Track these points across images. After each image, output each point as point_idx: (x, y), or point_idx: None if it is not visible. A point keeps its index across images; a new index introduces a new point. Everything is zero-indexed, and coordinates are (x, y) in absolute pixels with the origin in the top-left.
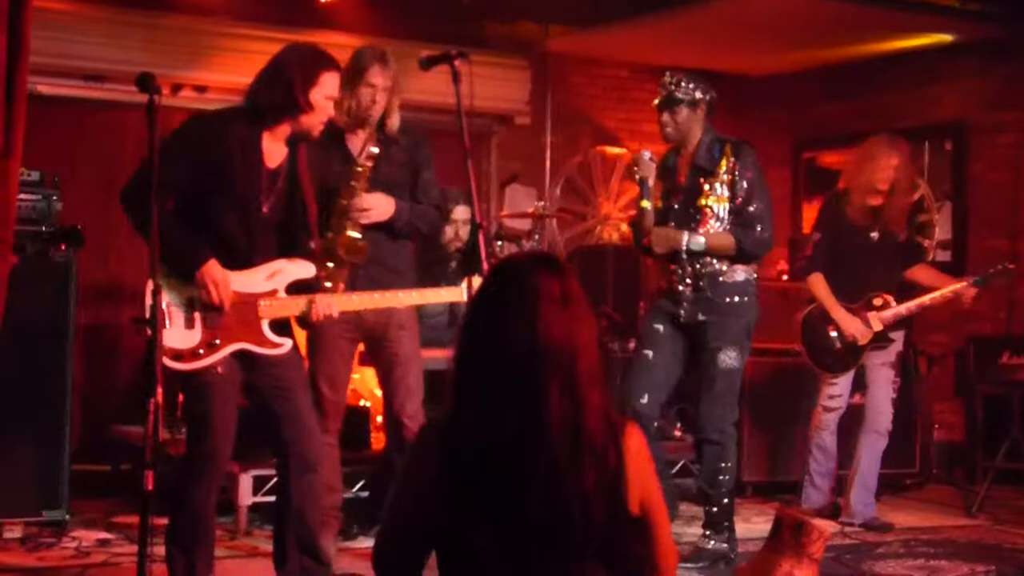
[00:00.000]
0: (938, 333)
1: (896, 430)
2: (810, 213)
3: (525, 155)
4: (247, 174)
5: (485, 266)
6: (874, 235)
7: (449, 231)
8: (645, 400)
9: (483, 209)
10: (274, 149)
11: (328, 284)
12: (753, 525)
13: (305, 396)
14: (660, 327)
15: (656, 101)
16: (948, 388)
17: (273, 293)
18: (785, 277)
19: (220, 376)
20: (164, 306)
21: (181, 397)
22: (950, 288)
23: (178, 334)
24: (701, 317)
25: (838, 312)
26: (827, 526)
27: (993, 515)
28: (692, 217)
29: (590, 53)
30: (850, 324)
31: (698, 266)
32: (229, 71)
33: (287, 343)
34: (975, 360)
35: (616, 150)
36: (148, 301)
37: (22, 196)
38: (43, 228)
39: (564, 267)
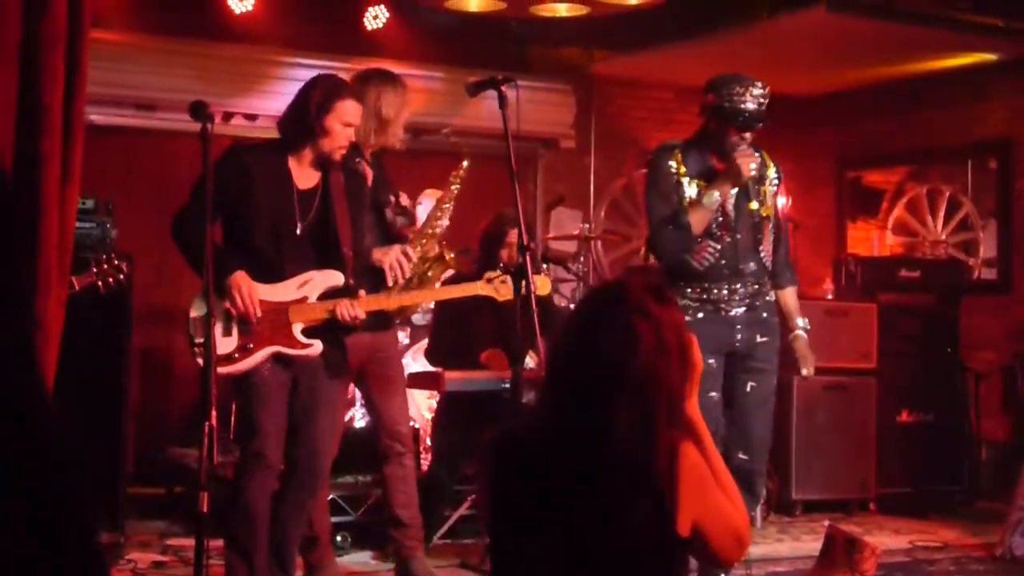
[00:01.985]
0: (986, 350)
1: (943, 447)
2: (854, 233)
3: (570, 178)
4: (277, 198)
5: (534, 287)
6: None
7: (504, 255)
8: (744, 456)
9: (530, 232)
10: (304, 173)
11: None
12: (803, 543)
13: (327, 418)
14: (712, 361)
15: (747, 114)
16: (996, 404)
17: (303, 300)
18: (830, 296)
19: (265, 378)
20: (202, 319)
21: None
22: None
23: (217, 341)
24: (761, 338)
25: None
26: (878, 545)
27: None
28: (759, 228)
29: (634, 76)
30: None
31: (747, 286)
32: (279, 99)
33: (317, 344)
34: (1022, 376)
35: None
36: (191, 315)
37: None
38: (100, 255)
39: (667, 297)
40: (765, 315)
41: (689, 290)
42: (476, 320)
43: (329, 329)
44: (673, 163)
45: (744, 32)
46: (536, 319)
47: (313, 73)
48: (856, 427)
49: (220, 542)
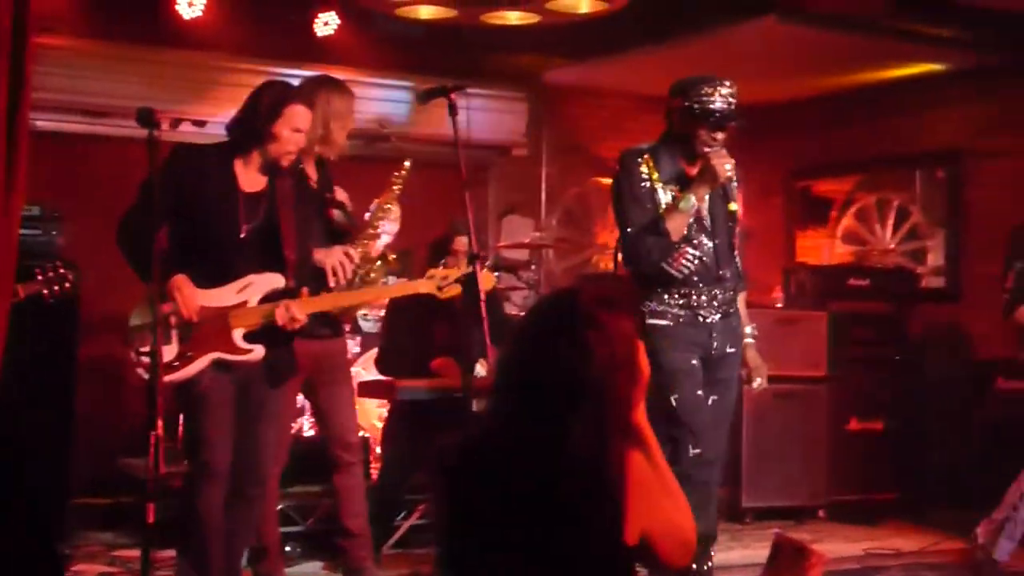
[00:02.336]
0: (936, 358)
1: (893, 454)
2: (803, 242)
3: (523, 186)
4: (222, 200)
5: (483, 296)
6: None
7: (451, 262)
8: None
9: (481, 241)
10: (251, 177)
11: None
12: (754, 551)
13: (272, 426)
14: (695, 362)
15: (718, 113)
16: (946, 410)
17: (243, 305)
18: (780, 305)
19: (208, 387)
20: (140, 328)
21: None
22: None
23: None
24: (729, 349)
25: None
26: (825, 553)
27: None
28: (732, 231)
29: (587, 84)
30: None
31: (725, 292)
32: (228, 105)
33: (258, 349)
34: (974, 386)
35: (610, 181)
36: (130, 323)
37: (22, 231)
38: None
39: (618, 306)
40: (735, 324)
41: (667, 296)
42: (427, 328)
43: (271, 334)
44: (644, 168)
45: (695, 41)
46: (487, 327)
47: (263, 79)
48: (807, 435)
49: (167, 553)
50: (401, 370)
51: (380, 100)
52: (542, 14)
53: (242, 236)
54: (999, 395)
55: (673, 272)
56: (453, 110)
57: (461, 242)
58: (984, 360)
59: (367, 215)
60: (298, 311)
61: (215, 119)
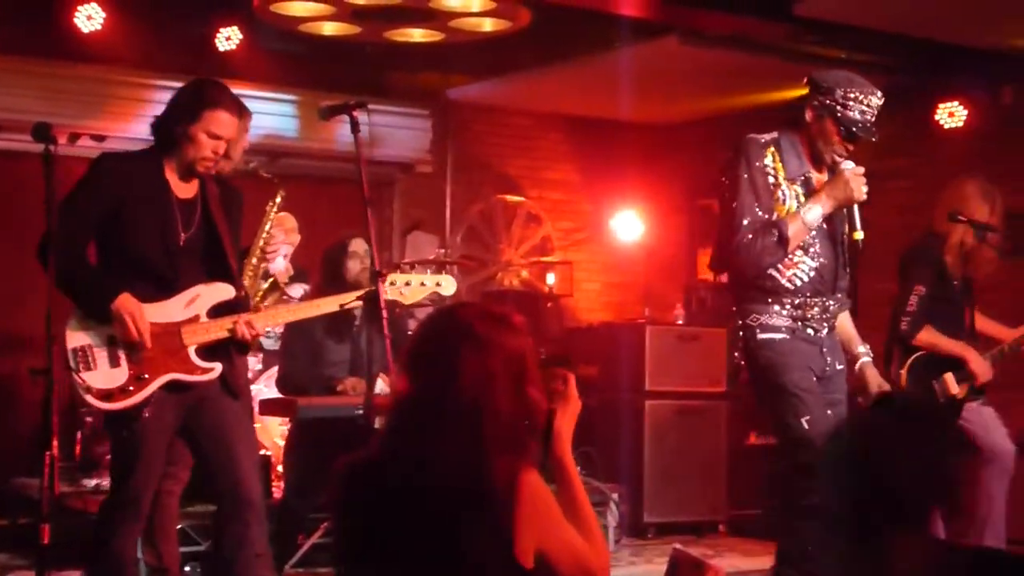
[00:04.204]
0: None
1: None
2: (704, 259)
3: (427, 203)
4: (156, 205)
5: (384, 314)
6: (957, 283)
7: (353, 265)
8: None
9: (385, 257)
10: (183, 182)
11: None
12: (656, 566)
13: (245, 440)
14: (815, 379)
15: (860, 124)
16: None
17: (195, 319)
18: (681, 321)
19: (150, 419)
20: (84, 349)
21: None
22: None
23: (104, 374)
24: (839, 366)
25: (971, 352)
26: (721, 568)
27: None
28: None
29: (492, 102)
30: (981, 365)
31: (837, 305)
32: (128, 119)
33: (216, 367)
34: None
35: (516, 198)
36: (69, 346)
37: None
38: None
39: (507, 323)
40: (837, 339)
41: (778, 307)
42: (328, 346)
43: (225, 348)
44: (770, 160)
45: (599, 61)
46: (389, 344)
47: (163, 94)
48: (707, 450)
49: (64, 575)
50: (301, 389)
51: (281, 115)
52: (445, 32)
53: (180, 244)
54: None
55: (783, 281)
56: (355, 127)
57: (356, 244)
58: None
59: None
60: (260, 325)
61: (114, 134)
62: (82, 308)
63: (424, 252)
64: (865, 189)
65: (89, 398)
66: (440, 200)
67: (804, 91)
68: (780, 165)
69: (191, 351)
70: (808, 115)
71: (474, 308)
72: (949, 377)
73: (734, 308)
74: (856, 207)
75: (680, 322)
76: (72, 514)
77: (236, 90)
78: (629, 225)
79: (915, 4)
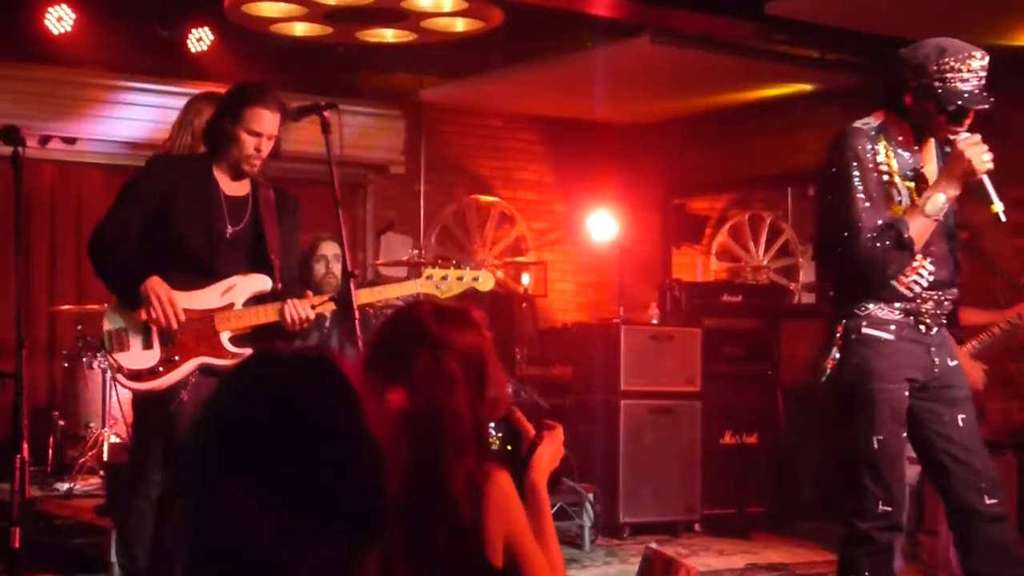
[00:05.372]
0: (804, 373)
1: (765, 468)
2: (680, 258)
3: (400, 203)
4: (203, 199)
5: (357, 315)
6: None
7: (319, 268)
8: (993, 500)
9: (359, 258)
10: (231, 183)
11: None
12: (631, 566)
13: None
14: (907, 394)
15: (965, 96)
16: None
17: (229, 307)
18: (656, 321)
19: (186, 403)
20: (119, 332)
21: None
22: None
23: (136, 355)
24: (952, 362)
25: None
26: (694, 567)
27: None
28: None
29: (464, 103)
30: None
31: (951, 300)
32: (99, 122)
33: (248, 353)
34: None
35: (490, 198)
36: (105, 328)
37: None
38: None
39: (466, 323)
40: (948, 336)
41: (886, 306)
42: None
43: (260, 339)
44: (882, 154)
45: (572, 61)
46: (361, 345)
47: (135, 96)
48: (682, 450)
49: None
50: None
51: None
52: (418, 32)
53: (227, 237)
54: None
55: (902, 289)
56: (326, 128)
57: (326, 247)
58: None
59: None
60: (308, 309)
61: (85, 136)
62: (115, 292)
63: (397, 253)
64: (987, 157)
65: (120, 378)
66: (413, 201)
67: (767, 92)
68: (892, 159)
69: (223, 337)
70: (907, 100)
71: (428, 307)
72: None
73: (832, 294)
74: (986, 179)
75: (655, 322)
76: (44, 518)
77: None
78: (603, 225)
79: (886, 2)
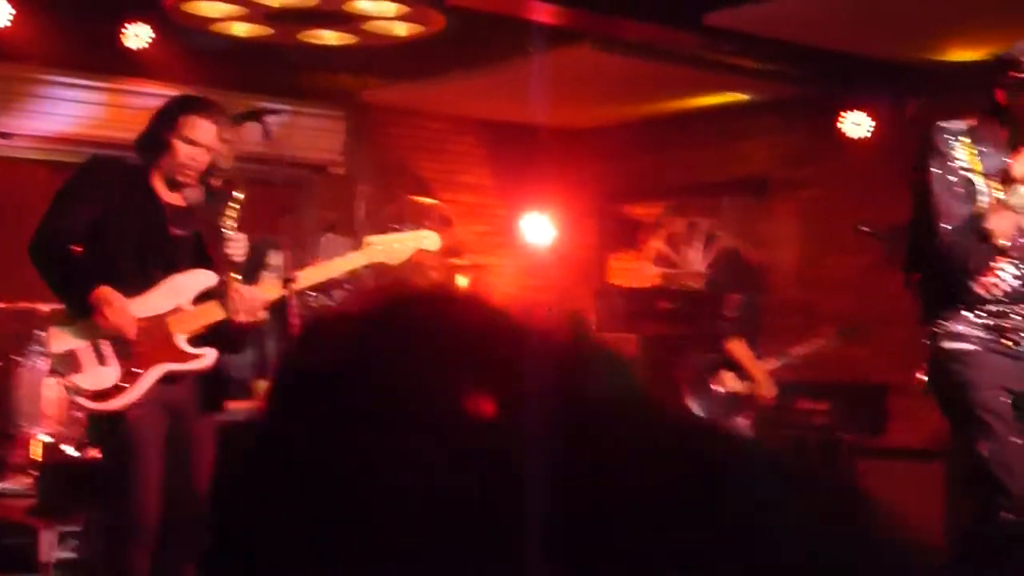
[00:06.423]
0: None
1: None
2: (616, 264)
3: (341, 205)
4: (147, 206)
5: (295, 322)
6: None
7: (267, 277)
8: None
9: (297, 259)
10: (171, 190)
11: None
12: None
13: (209, 455)
14: (1007, 400)
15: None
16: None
17: (179, 309)
18: (592, 327)
19: (139, 418)
20: (68, 353)
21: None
22: None
23: (94, 374)
24: None
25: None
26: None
27: None
28: None
29: (407, 105)
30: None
31: None
32: (35, 117)
33: (209, 352)
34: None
35: (429, 200)
36: (52, 350)
37: None
38: None
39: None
40: None
41: (971, 315)
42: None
43: (215, 339)
44: (964, 152)
45: (513, 66)
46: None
47: (71, 92)
48: None
49: None
50: None
51: None
52: (359, 35)
53: (168, 242)
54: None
55: (982, 292)
56: (268, 135)
57: (274, 256)
58: (787, 381)
59: None
60: (255, 295)
61: (21, 131)
62: (61, 297)
63: (336, 253)
64: None
65: (82, 401)
66: (353, 202)
67: (706, 101)
68: (975, 158)
69: (180, 339)
70: (1000, 97)
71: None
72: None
73: (921, 316)
74: None
75: (592, 327)
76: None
77: (145, 89)
78: (541, 229)
79: (824, 16)
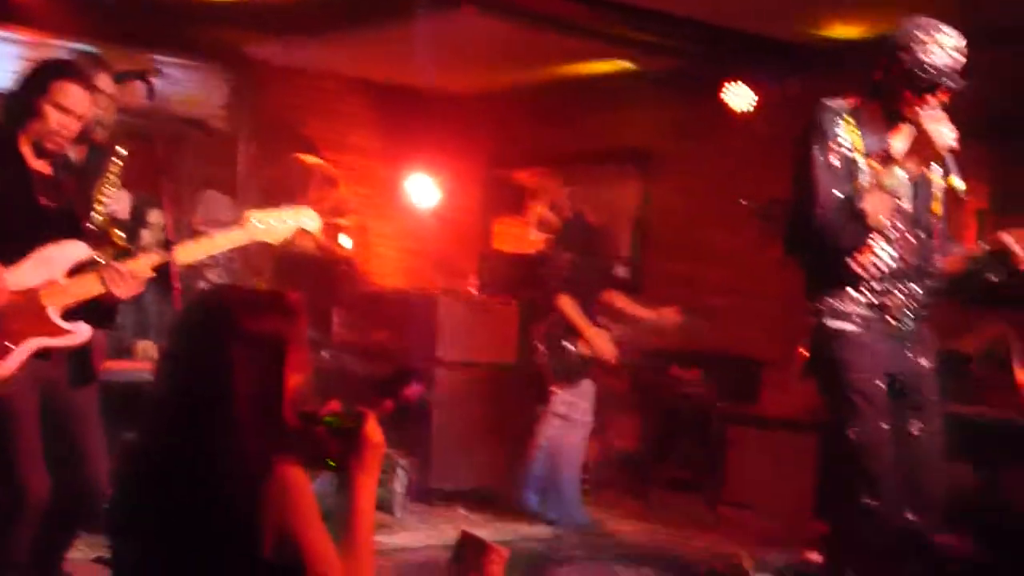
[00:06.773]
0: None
1: None
2: (500, 228)
3: (221, 161)
4: (13, 174)
5: (176, 286)
6: None
7: (148, 236)
8: (913, 517)
9: (176, 217)
10: (38, 157)
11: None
12: (441, 532)
13: (96, 429)
14: (881, 384)
15: (932, 71)
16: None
17: (51, 282)
18: (473, 291)
19: (15, 394)
20: None
21: None
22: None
23: None
24: (926, 363)
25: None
26: (504, 549)
27: (663, 519)
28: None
29: (293, 63)
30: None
31: (926, 293)
32: None
33: (82, 327)
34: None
35: (313, 159)
36: None
37: None
38: None
39: (262, 306)
40: (927, 333)
41: (854, 292)
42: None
43: (89, 312)
44: (846, 131)
45: (400, 27)
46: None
47: None
48: (496, 420)
49: None
50: None
51: None
52: None
53: (38, 211)
54: (672, 382)
55: (859, 271)
56: (151, 94)
57: (154, 215)
58: (661, 349)
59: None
60: (135, 272)
61: None
62: None
63: (217, 212)
64: (954, 135)
65: None
66: (234, 159)
67: (592, 69)
68: (858, 137)
69: (51, 313)
70: (877, 76)
71: (228, 291)
72: None
73: (805, 292)
74: (950, 156)
75: (473, 292)
76: None
77: (23, 38)
78: (425, 192)
79: None
